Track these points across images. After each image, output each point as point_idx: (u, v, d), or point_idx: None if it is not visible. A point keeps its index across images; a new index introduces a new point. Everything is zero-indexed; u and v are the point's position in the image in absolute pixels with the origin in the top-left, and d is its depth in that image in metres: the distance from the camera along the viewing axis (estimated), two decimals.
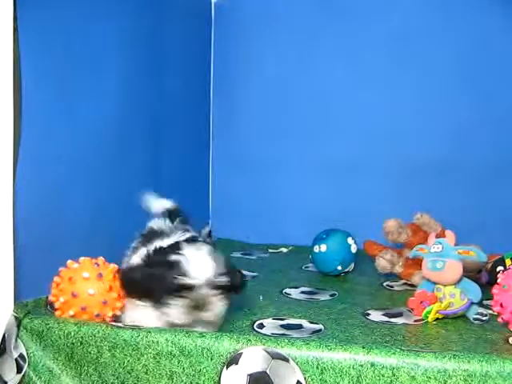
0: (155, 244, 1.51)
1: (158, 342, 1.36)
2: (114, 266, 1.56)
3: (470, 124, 2.52)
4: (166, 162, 2.36)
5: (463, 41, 2.51)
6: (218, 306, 1.42)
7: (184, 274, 1.38)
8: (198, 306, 1.40)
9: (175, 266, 1.39)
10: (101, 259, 1.54)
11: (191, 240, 1.53)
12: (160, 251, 1.47)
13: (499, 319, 1.57)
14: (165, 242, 1.51)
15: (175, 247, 1.46)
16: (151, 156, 2.26)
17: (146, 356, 1.37)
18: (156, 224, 1.72)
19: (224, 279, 1.42)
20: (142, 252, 1.51)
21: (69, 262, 1.52)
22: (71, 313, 1.47)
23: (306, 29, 2.66)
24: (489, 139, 2.50)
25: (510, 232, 2.36)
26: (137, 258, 1.51)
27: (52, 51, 1.67)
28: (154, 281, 1.39)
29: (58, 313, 1.50)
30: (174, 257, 1.41)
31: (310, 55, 2.67)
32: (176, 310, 1.40)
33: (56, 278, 1.50)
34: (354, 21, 2.61)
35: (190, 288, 1.38)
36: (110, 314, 1.51)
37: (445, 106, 2.54)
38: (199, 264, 1.41)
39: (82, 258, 1.53)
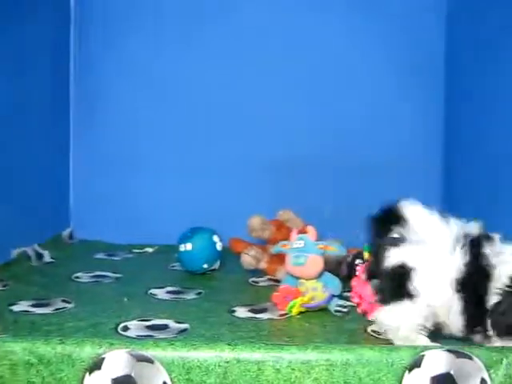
0: None
1: (13, 351, 1.28)
2: None
3: (331, 123, 2.62)
4: (21, 162, 2.24)
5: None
6: None
7: None
8: None
9: None
10: None
11: None
12: None
13: (358, 310, 1.64)
14: None
15: None
16: (4, 156, 2.13)
17: (1, 367, 1.29)
18: None
19: None
20: None
21: None
22: None
23: (173, 19, 2.64)
24: (351, 139, 2.61)
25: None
26: None
27: None
28: None
29: None
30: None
31: (171, 53, 2.65)
32: None
33: None
34: (228, 12, 2.63)
35: None
36: None
37: (298, 107, 2.63)
38: None
39: None
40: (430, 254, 1.39)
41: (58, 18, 2.60)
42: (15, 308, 1.69)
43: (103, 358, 1.25)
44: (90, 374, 1.25)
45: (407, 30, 2.60)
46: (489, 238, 1.40)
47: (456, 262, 1.36)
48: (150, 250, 2.54)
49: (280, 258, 1.98)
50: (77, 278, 2.08)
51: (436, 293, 1.38)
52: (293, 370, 1.25)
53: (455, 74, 2.53)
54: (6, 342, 1.30)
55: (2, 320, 1.57)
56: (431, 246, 1.39)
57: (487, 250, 1.37)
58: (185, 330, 1.53)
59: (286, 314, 1.67)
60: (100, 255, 2.43)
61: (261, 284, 2.04)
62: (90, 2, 2.66)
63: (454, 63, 2.55)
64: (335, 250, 1.73)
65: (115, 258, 2.40)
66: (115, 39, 2.67)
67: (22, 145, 2.26)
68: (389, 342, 1.43)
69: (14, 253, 2.19)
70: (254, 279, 2.09)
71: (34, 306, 1.71)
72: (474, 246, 1.38)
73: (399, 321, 1.40)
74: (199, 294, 1.90)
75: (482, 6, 2.21)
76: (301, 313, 1.67)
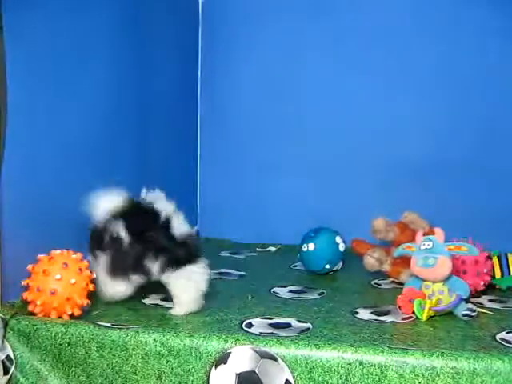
0: None
1: (146, 342, 1.36)
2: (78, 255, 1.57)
3: (454, 123, 2.54)
4: (153, 161, 2.35)
5: (443, 39, 2.54)
6: None
7: None
8: None
9: None
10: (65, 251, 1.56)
11: None
12: None
13: None
14: None
15: None
16: (139, 155, 2.25)
17: (134, 356, 1.37)
18: None
19: None
20: None
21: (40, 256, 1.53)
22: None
23: (294, 27, 2.66)
24: (471, 139, 2.52)
25: (493, 230, 2.38)
26: None
27: (38, 49, 1.65)
28: None
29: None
30: None
31: (298, 55, 2.66)
32: None
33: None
34: (341, 19, 2.61)
35: None
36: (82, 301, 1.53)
37: (429, 106, 2.55)
38: None
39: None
40: None
41: (186, 20, 2.71)
42: (146, 301, 1.77)
43: (229, 353, 1.29)
44: (215, 367, 1.30)
45: None
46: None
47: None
48: (272, 249, 2.58)
49: (403, 260, 1.94)
50: None
51: None
52: (417, 376, 1.23)
53: None
54: (139, 332, 1.38)
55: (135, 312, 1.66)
56: None
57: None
58: (307, 329, 1.53)
59: (410, 317, 1.64)
60: (225, 253, 2.50)
61: (384, 286, 2.02)
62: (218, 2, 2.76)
63: None
64: (467, 250, 1.66)
65: (239, 256, 2.46)
66: (242, 40, 2.73)
67: (155, 147, 2.38)
68: None
69: None
70: (376, 281, 2.07)
71: (163, 299, 1.79)
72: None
73: None
74: (321, 294, 1.91)
75: None
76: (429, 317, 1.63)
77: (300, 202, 2.64)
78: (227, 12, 2.74)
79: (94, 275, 1.58)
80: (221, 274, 2.15)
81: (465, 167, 2.52)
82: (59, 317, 1.49)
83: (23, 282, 1.50)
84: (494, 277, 1.95)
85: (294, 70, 2.68)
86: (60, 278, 1.48)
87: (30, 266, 1.50)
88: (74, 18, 1.80)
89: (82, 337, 1.40)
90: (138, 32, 2.20)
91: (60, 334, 1.42)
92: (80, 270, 1.53)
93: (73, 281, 1.49)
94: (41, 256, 1.52)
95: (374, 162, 2.59)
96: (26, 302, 1.51)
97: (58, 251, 1.54)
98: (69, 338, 1.41)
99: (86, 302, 1.54)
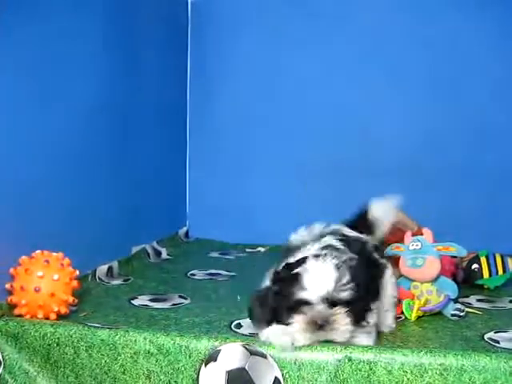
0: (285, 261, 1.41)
1: (135, 340, 1.35)
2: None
3: (441, 126, 2.56)
4: (141, 163, 2.35)
5: (433, 41, 2.57)
6: (342, 324, 1.28)
7: (302, 289, 1.28)
8: (319, 323, 1.27)
9: (295, 281, 1.30)
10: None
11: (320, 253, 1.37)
12: (286, 268, 1.37)
13: None
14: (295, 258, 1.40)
15: (300, 262, 1.35)
16: (125, 157, 2.24)
17: (123, 355, 1.36)
18: (297, 236, 1.63)
19: (347, 294, 1.28)
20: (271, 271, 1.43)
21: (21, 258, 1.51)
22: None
23: (281, 28, 2.68)
24: (459, 141, 2.55)
25: (481, 231, 2.39)
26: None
27: (25, 49, 1.64)
28: (276, 300, 1.33)
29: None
30: (294, 272, 1.32)
31: (286, 55, 2.68)
32: (295, 329, 1.28)
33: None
34: (328, 21, 2.64)
35: (306, 303, 1.28)
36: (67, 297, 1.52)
37: (414, 108, 2.59)
38: (318, 278, 1.29)
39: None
40: None
41: (176, 20, 2.71)
42: (135, 302, 1.77)
43: (219, 350, 1.29)
44: (205, 365, 1.30)
45: None
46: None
47: None
48: (262, 249, 2.58)
49: (392, 260, 1.95)
50: (192, 275, 2.14)
51: None
52: (405, 372, 1.23)
53: None
54: (129, 331, 1.37)
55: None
56: None
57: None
58: None
59: (399, 317, 1.64)
60: (214, 253, 2.50)
61: None
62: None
63: None
64: (455, 250, 1.67)
65: (229, 257, 2.46)
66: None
67: (143, 148, 2.38)
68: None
69: (134, 249, 2.30)
70: None
71: (152, 300, 1.79)
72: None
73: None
74: None
75: None
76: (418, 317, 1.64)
77: (289, 202, 2.64)
78: (216, 11, 2.74)
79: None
80: (211, 274, 2.15)
81: (452, 168, 2.54)
82: (46, 318, 1.48)
83: (7, 285, 1.49)
84: (482, 277, 1.96)
85: (282, 71, 2.69)
86: (42, 275, 1.48)
87: (12, 269, 1.49)
88: (64, 20, 1.80)
89: (71, 337, 1.39)
90: (126, 33, 2.20)
91: (49, 335, 1.41)
92: (62, 265, 1.52)
93: (56, 277, 1.49)
94: (22, 258, 1.51)
95: (364, 162, 2.60)
96: (11, 306, 1.49)
97: (39, 251, 1.53)
98: (57, 338, 1.40)
99: (71, 298, 1.53)
